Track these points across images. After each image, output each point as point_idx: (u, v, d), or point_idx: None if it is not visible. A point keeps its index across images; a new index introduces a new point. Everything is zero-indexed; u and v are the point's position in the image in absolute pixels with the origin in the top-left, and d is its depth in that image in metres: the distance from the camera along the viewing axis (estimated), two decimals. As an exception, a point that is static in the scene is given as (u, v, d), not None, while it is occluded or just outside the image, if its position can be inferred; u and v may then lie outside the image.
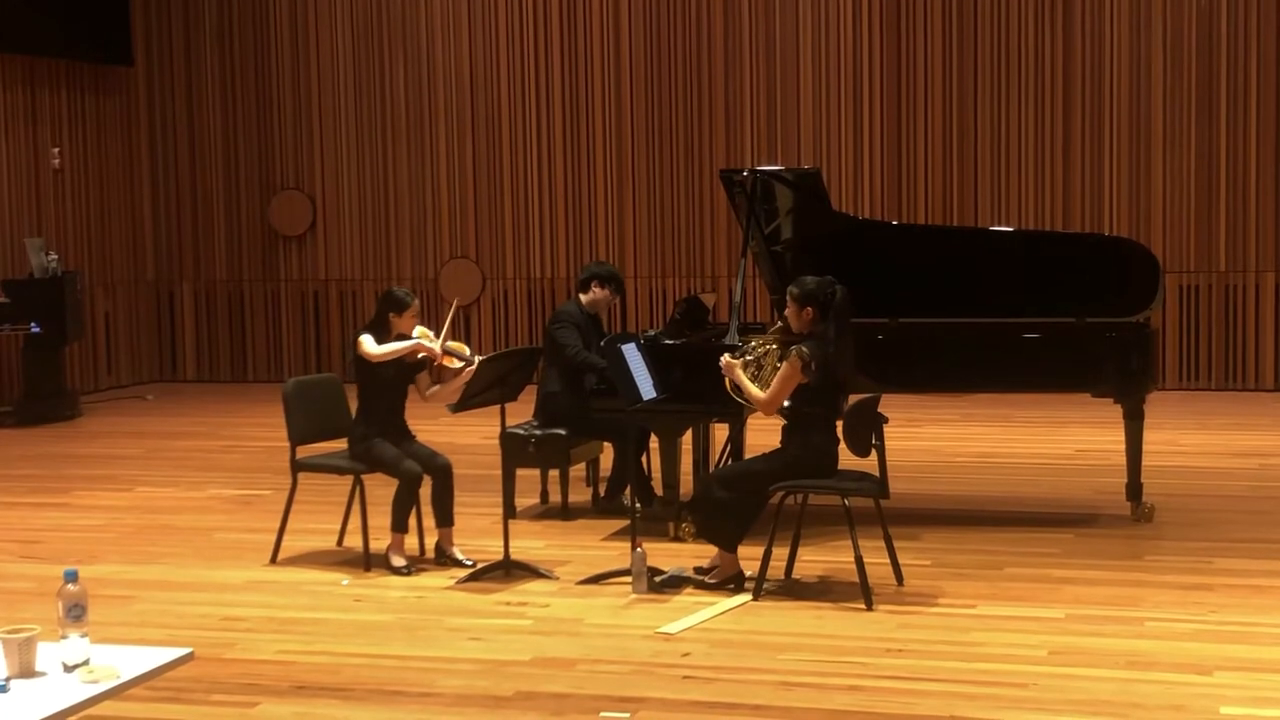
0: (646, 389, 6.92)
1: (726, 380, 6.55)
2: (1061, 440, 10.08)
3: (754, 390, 6.44)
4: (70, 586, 3.72)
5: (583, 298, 8.11)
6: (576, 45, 13.59)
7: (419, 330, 7.10)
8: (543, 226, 13.80)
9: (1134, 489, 7.67)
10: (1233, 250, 12.40)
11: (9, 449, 10.93)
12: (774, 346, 6.52)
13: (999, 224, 12.58)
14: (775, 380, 6.36)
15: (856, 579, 6.22)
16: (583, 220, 13.69)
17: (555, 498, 8.28)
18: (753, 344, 6.65)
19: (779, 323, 6.61)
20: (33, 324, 12.06)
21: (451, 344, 7.11)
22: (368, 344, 6.93)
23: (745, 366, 6.54)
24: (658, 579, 6.53)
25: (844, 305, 6.36)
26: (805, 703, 5.06)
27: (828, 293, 6.35)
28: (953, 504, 8.28)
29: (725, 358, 6.55)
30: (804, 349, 6.27)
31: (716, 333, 7.89)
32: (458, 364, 7.02)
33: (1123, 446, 7.64)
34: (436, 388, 7.12)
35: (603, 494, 8.19)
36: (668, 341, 7.53)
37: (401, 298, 7.06)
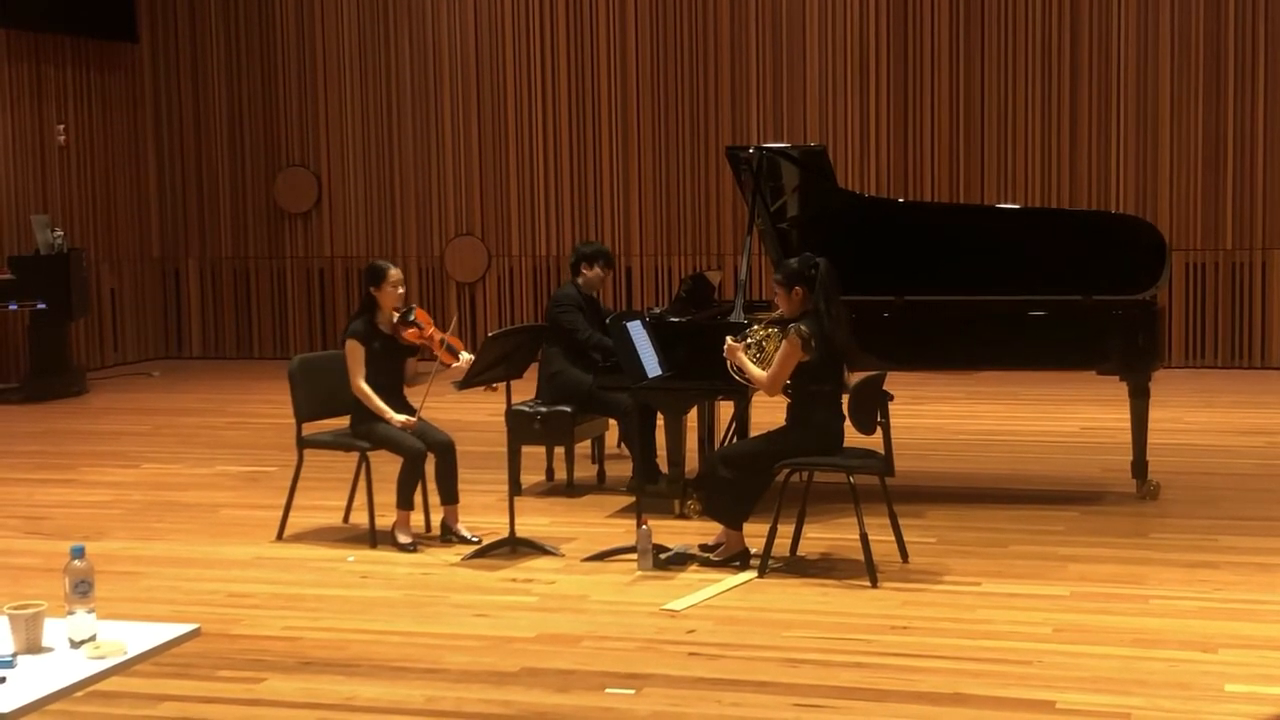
0: (652, 367, 6.93)
1: (729, 363, 6.55)
2: (1067, 418, 10.08)
3: (756, 371, 6.45)
4: (77, 562, 3.73)
5: (578, 280, 8.15)
6: (582, 21, 13.56)
7: (419, 313, 7.11)
8: (548, 204, 13.79)
9: (1139, 467, 7.68)
10: (1239, 228, 12.37)
11: (16, 425, 10.95)
12: (774, 330, 6.54)
13: (1005, 201, 12.56)
14: (776, 359, 6.37)
15: (861, 556, 6.23)
16: (588, 198, 13.68)
17: (561, 475, 8.29)
18: (753, 328, 6.66)
19: (777, 308, 6.63)
20: (38, 300, 12.07)
21: (451, 337, 7.11)
22: (357, 379, 6.96)
23: (747, 350, 6.55)
24: (663, 556, 6.54)
25: (829, 277, 6.38)
26: (810, 679, 5.07)
27: (810, 269, 6.38)
28: (958, 481, 8.29)
29: (729, 341, 6.55)
30: (802, 327, 6.28)
31: (722, 310, 7.89)
32: (452, 362, 7.02)
33: (1128, 424, 7.64)
34: (417, 385, 7.14)
35: (629, 478, 8.05)
36: (673, 319, 7.52)
37: (378, 267, 7.07)
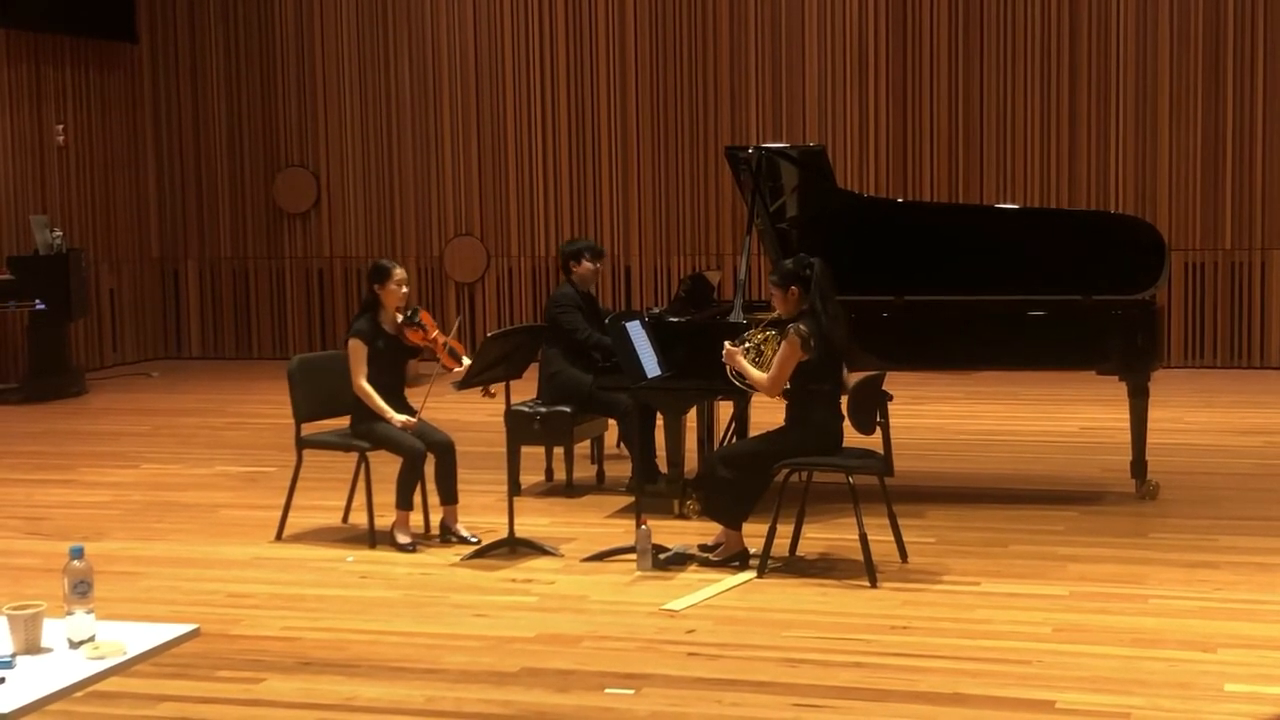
0: (651, 367, 6.93)
1: (728, 368, 6.56)
2: (1067, 418, 10.08)
3: (756, 374, 6.46)
4: (76, 563, 3.72)
5: (572, 279, 8.13)
6: (581, 21, 13.56)
7: (424, 315, 7.12)
8: (547, 204, 13.79)
9: (1139, 467, 7.68)
10: (1238, 227, 12.38)
11: (15, 426, 10.95)
12: (772, 332, 6.54)
13: (1005, 201, 12.55)
14: (776, 360, 6.37)
15: (861, 556, 6.23)
16: (587, 198, 13.68)
17: (560, 475, 8.29)
18: (750, 331, 6.66)
19: (774, 310, 6.64)
20: (37, 301, 12.07)
21: (454, 341, 7.11)
22: (358, 378, 6.95)
23: (746, 354, 6.55)
24: (662, 556, 6.54)
25: (823, 276, 6.39)
26: (809, 679, 5.07)
27: (805, 269, 6.39)
28: (957, 481, 8.29)
29: (727, 345, 6.55)
30: (801, 327, 6.29)
31: (721, 310, 7.89)
32: (454, 366, 7.01)
33: (1128, 424, 7.64)
34: (418, 386, 7.13)
35: (629, 478, 8.03)
36: (672, 319, 7.52)
37: (382, 266, 7.07)
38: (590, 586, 6.29)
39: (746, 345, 6.60)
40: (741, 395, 7.60)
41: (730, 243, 13.17)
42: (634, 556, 6.51)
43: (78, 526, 7.58)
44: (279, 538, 7.19)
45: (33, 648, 3.67)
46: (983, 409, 10.68)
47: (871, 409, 6.38)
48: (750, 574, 6.38)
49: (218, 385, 12.89)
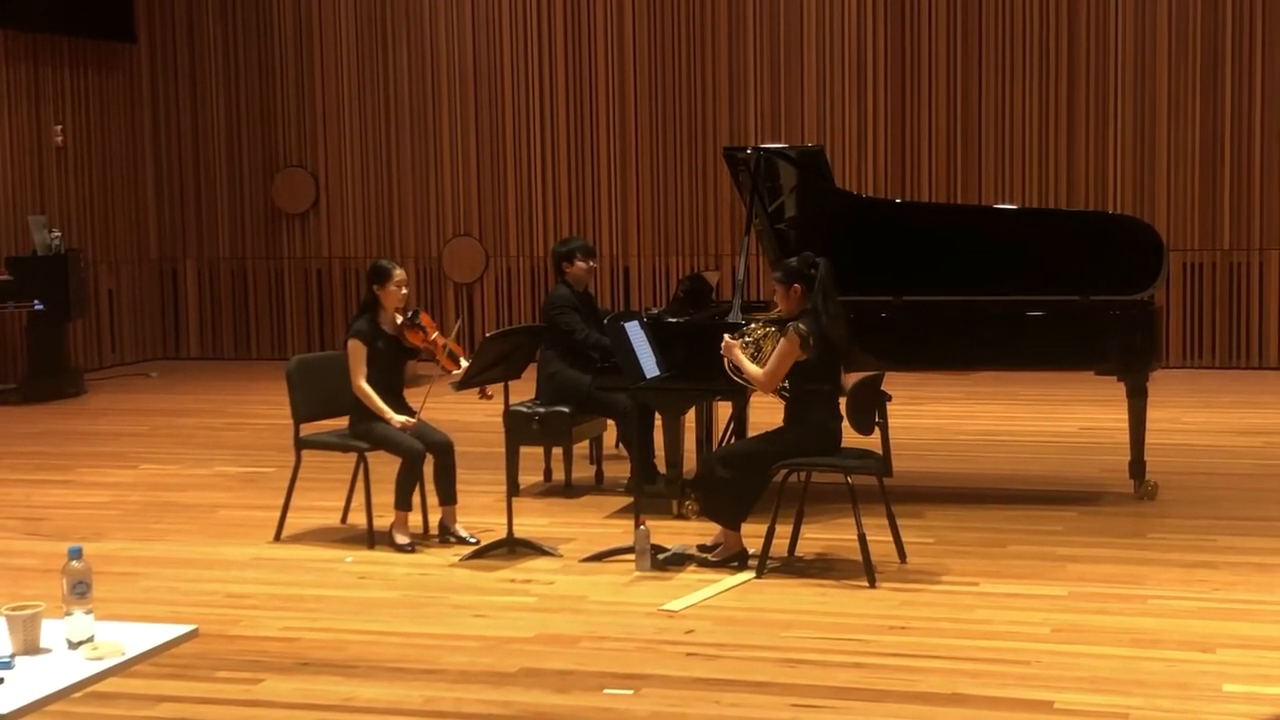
0: (650, 367, 6.93)
1: (726, 361, 6.56)
2: (1065, 418, 10.08)
3: (752, 369, 6.46)
4: (75, 563, 3.72)
5: (566, 280, 8.11)
6: (580, 20, 13.56)
7: (424, 316, 7.12)
8: (546, 205, 13.79)
9: (1137, 467, 7.68)
10: (1237, 228, 12.38)
11: (14, 426, 10.94)
12: (772, 330, 6.55)
13: (1003, 201, 12.56)
14: (773, 357, 6.38)
15: (859, 557, 6.23)
16: (586, 198, 13.68)
17: (559, 475, 8.29)
18: (751, 326, 6.67)
19: (774, 307, 6.65)
20: (36, 301, 12.07)
21: (454, 344, 7.12)
22: (358, 379, 6.94)
23: (745, 349, 6.56)
24: (661, 556, 6.54)
25: (827, 276, 6.39)
26: (808, 680, 5.07)
27: (810, 267, 6.39)
28: (956, 482, 8.29)
29: (726, 338, 6.56)
30: (800, 325, 6.29)
31: (720, 311, 7.89)
32: (453, 368, 7.00)
33: (1126, 424, 7.65)
34: (417, 387, 7.13)
35: (627, 479, 8.02)
36: (670, 320, 7.52)
37: (382, 267, 7.07)
38: (589, 587, 6.29)
39: (746, 340, 6.60)
40: (740, 395, 7.60)
41: (729, 243, 13.17)
42: (633, 557, 6.51)
43: (76, 527, 7.58)
44: (278, 538, 7.19)
45: (31, 648, 3.67)
46: (981, 409, 10.68)
47: (870, 409, 6.39)
48: (749, 574, 6.38)
49: (216, 386, 12.89)
